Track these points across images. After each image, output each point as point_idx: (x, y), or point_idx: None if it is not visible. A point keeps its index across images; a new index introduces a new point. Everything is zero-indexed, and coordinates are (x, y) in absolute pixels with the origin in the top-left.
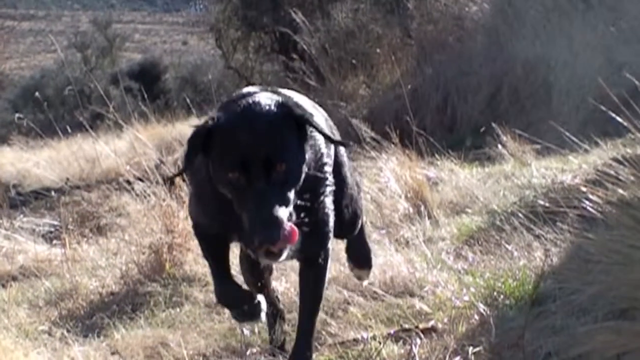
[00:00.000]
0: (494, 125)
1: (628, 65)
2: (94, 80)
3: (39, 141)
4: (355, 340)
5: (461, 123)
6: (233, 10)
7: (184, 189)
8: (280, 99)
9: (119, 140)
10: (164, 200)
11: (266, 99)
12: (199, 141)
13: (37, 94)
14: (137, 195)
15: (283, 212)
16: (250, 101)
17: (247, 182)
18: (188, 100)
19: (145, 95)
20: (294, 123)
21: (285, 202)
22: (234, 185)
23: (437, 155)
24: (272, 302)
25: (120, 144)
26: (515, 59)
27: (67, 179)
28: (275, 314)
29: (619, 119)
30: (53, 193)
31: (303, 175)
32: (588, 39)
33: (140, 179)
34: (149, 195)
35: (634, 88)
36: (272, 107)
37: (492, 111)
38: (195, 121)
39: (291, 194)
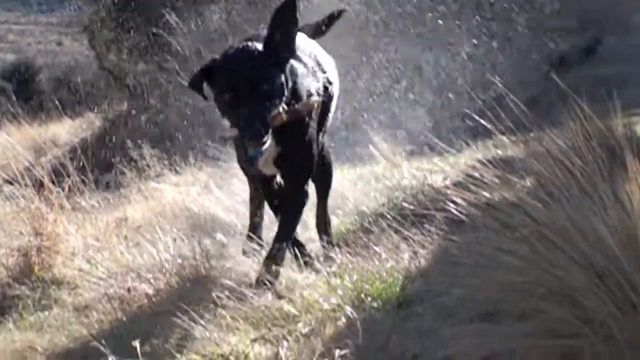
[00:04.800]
0: (364, 126)
1: (500, 67)
2: None
3: None
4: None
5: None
6: (106, 11)
7: (53, 192)
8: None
9: None
10: (33, 202)
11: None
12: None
13: None
14: (6, 197)
15: (265, 117)
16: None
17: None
18: (58, 103)
19: (17, 97)
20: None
21: (266, 110)
22: (227, 103)
23: None
24: None
25: None
26: None
27: None
28: None
29: (483, 122)
30: None
31: (285, 92)
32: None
33: (10, 182)
34: (17, 198)
35: (500, 93)
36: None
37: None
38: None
39: (272, 106)
